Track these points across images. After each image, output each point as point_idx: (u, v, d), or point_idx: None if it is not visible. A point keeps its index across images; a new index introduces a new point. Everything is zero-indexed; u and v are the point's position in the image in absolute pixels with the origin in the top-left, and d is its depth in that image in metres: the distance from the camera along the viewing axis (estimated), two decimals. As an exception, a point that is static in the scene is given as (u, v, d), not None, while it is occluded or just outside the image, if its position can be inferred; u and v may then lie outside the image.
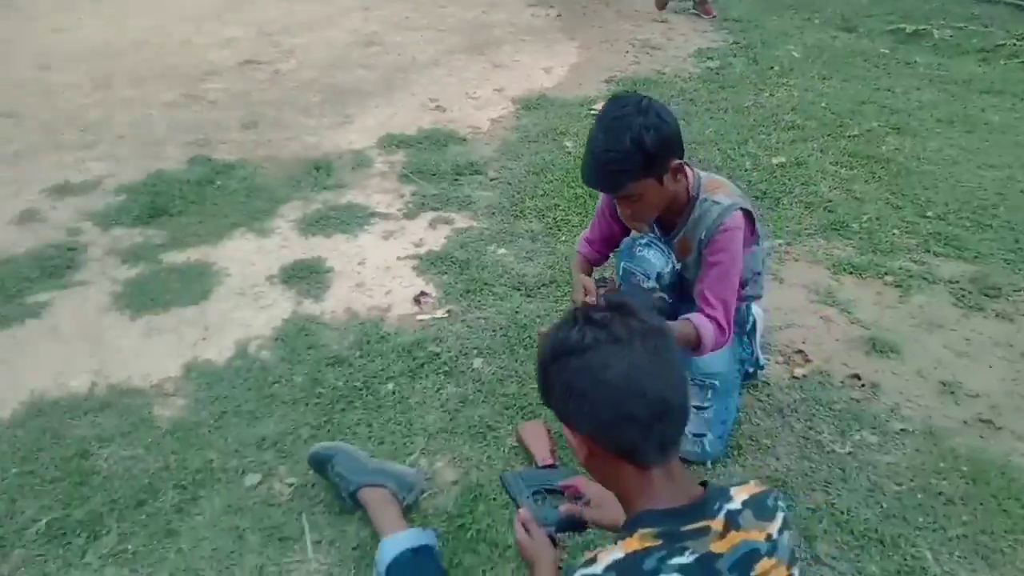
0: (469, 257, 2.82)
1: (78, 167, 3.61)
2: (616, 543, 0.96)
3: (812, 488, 1.84)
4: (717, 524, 0.96)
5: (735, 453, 1.93)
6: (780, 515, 1.03)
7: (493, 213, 3.16)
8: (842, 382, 2.21)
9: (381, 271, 2.78)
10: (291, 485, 1.85)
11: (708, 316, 1.76)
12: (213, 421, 2.05)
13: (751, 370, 2.17)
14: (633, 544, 0.94)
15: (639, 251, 1.86)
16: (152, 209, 3.18)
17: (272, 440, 1.97)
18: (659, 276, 1.84)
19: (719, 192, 1.77)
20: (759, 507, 1.01)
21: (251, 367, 2.26)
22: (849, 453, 1.94)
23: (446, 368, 2.23)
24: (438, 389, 2.16)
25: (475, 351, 2.31)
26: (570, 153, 3.67)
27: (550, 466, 1.83)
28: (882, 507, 1.79)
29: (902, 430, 2.03)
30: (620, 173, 1.62)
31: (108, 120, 4.21)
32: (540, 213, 3.11)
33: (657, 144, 1.60)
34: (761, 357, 2.20)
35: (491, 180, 3.44)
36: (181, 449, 1.94)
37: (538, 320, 2.41)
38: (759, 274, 1.99)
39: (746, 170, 3.49)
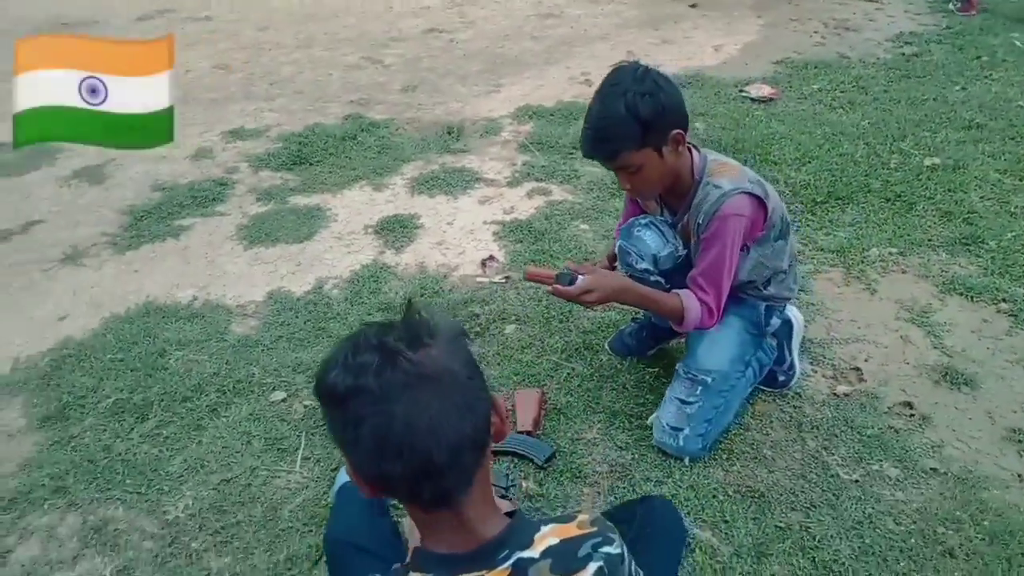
0: (549, 229, 2.86)
1: (256, 116, 4.16)
2: None
3: (792, 508, 1.69)
4: (498, 575, 0.88)
5: (724, 457, 1.83)
6: (594, 565, 0.90)
7: (591, 189, 3.16)
8: (888, 408, 1.97)
9: (464, 232, 2.92)
10: (306, 407, 2.08)
11: (701, 298, 1.70)
12: (269, 342, 2.34)
13: (781, 378, 2.02)
14: None
15: (637, 231, 1.81)
16: (297, 157, 3.60)
17: (307, 366, 2.22)
18: (655, 259, 1.78)
19: (724, 176, 1.66)
20: (563, 557, 0.89)
21: (318, 302, 2.53)
22: (855, 481, 1.75)
23: (478, 329, 2.33)
24: (463, 346, 2.27)
25: (512, 317, 2.38)
26: (697, 134, 3.53)
27: (527, 433, 1.88)
28: (863, 543, 1.60)
29: (932, 469, 1.78)
30: (615, 141, 1.58)
31: (295, 77, 4.78)
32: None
33: (653, 111, 1.54)
34: (797, 365, 2.04)
35: (603, 156, 3.42)
36: (234, 361, 2.26)
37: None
38: (784, 273, 1.83)
39: (888, 168, 3.13)
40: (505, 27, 5.68)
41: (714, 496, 1.72)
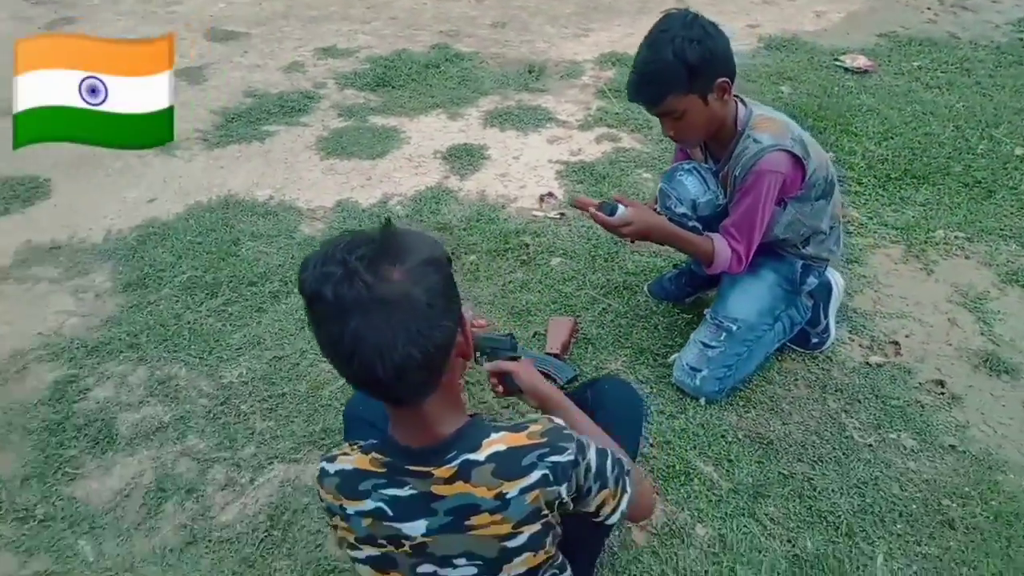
0: (611, 173, 2.91)
1: (349, 36, 4.29)
2: (351, 450, 1.02)
3: (798, 459, 1.74)
4: (444, 472, 0.96)
5: (740, 404, 1.88)
6: (538, 473, 0.96)
7: (661, 140, 3.16)
8: (920, 384, 1.97)
9: (528, 168, 2.99)
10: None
11: (732, 245, 1.73)
12: (331, 245, 2.51)
13: (815, 340, 2.04)
14: (363, 462, 0.99)
15: (679, 175, 1.84)
16: (381, 80, 3.72)
17: (363, 270, 2.37)
18: (694, 204, 1.81)
19: (765, 130, 1.66)
20: (507, 463, 0.96)
21: (380, 214, 2.67)
22: (868, 445, 1.78)
23: (525, 258, 2.42)
24: (509, 272, 2.37)
25: (560, 251, 2.46)
26: (781, 98, 3.47)
27: (555, 355, 1.97)
28: (863, 501, 1.65)
29: (951, 446, 1.79)
30: (661, 85, 1.60)
31: (393, 2, 4.87)
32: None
33: (700, 57, 1.56)
34: (832, 329, 2.05)
35: (679, 109, 3.41)
36: (298, 256, 2.43)
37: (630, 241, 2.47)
38: (825, 234, 1.84)
39: (973, 153, 3.01)
40: (605, -28, 5.58)
41: (723, 436, 1.79)
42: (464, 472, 0.96)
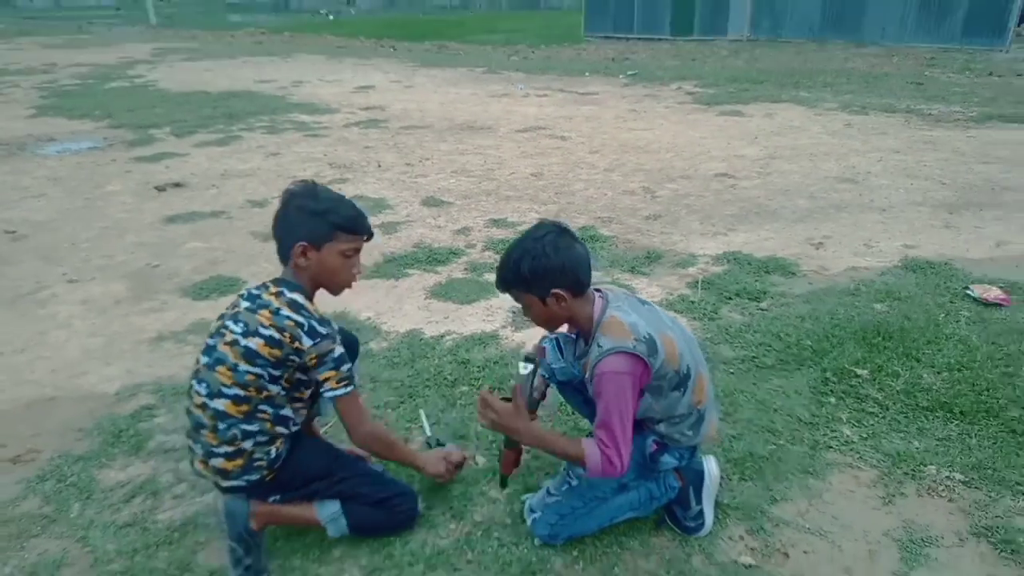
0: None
1: (522, 212, 5.15)
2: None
3: None
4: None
5: (574, 553, 2.01)
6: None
7: (704, 325, 3.34)
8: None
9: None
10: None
11: (600, 448, 1.83)
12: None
13: (689, 524, 2.09)
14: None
15: (543, 342, 2.13)
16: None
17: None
18: (551, 369, 2.08)
19: (608, 335, 1.84)
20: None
21: (427, 343, 3.26)
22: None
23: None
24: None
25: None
26: (866, 314, 3.41)
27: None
28: None
29: None
30: (505, 282, 1.93)
31: (578, 191, 5.69)
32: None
33: (532, 270, 1.83)
34: (708, 517, 2.09)
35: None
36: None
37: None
38: (679, 418, 1.97)
39: (1049, 402, 2.69)
40: (795, 182, 5.84)
41: (532, 572, 1.96)
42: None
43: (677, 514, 2.09)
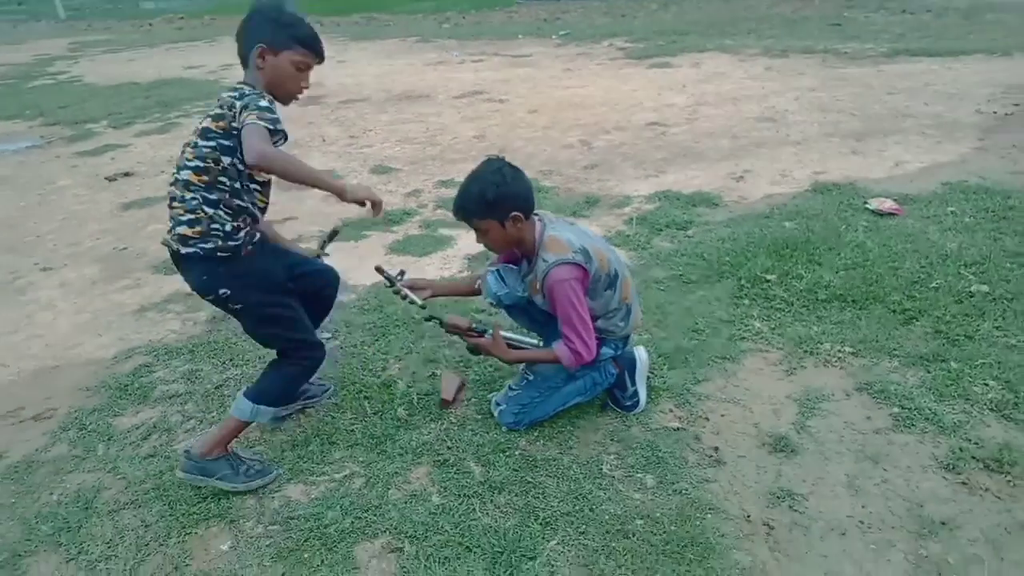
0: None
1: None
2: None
3: (547, 474, 2.24)
4: None
5: (533, 434, 2.40)
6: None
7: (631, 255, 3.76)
8: (696, 447, 2.35)
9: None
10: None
11: (567, 345, 2.23)
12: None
13: (627, 403, 2.52)
14: None
15: (486, 275, 2.45)
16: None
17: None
18: (496, 296, 2.40)
19: (549, 249, 2.21)
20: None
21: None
22: (613, 476, 2.22)
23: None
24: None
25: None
26: (776, 232, 3.87)
27: (447, 401, 2.69)
28: (572, 507, 2.11)
29: (682, 491, 2.18)
30: (467, 210, 2.25)
31: (520, 148, 6.05)
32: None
33: (496, 195, 2.17)
34: (642, 396, 2.51)
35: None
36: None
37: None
38: (611, 313, 2.38)
39: (925, 287, 3.16)
40: (720, 125, 6.29)
41: (503, 450, 2.36)
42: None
43: (617, 395, 2.51)
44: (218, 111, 2.05)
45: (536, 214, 2.34)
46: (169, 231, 2.13)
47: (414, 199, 5.02)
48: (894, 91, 6.95)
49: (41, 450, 2.59)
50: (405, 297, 2.41)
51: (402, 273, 2.46)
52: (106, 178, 6.03)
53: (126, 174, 6.13)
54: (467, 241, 4.17)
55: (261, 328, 2.29)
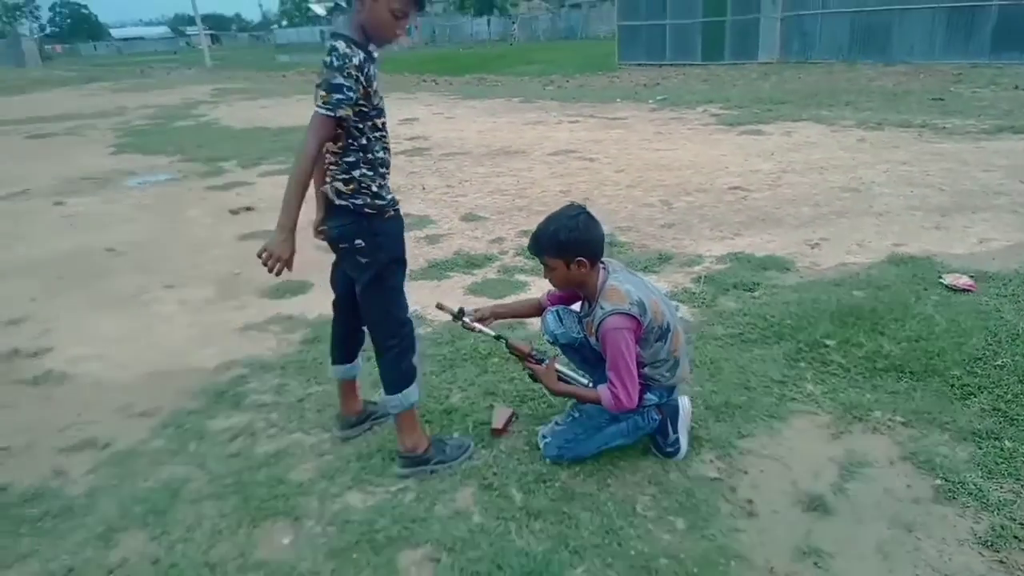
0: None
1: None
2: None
3: (583, 508, 2.40)
4: None
5: (575, 469, 2.57)
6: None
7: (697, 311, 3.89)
8: (732, 498, 2.46)
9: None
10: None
11: (611, 390, 2.42)
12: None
13: (668, 449, 2.64)
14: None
15: (545, 315, 2.70)
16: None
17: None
18: (553, 335, 2.65)
19: (609, 299, 2.41)
20: None
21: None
22: (645, 516, 2.36)
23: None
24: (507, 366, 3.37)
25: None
26: (844, 300, 3.91)
27: (498, 431, 2.91)
28: (601, 541, 2.26)
29: (711, 536, 2.29)
30: (540, 247, 2.50)
31: (602, 206, 6.29)
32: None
33: (568, 240, 2.40)
34: (683, 444, 2.64)
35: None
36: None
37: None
38: (660, 363, 2.54)
39: (989, 364, 3.13)
40: (802, 193, 6.33)
41: (543, 481, 2.54)
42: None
43: (659, 441, 2.65)
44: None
45: (602, 262, 2.53)
46: (327, 186, 2.42)
47: (496, 245, 5.32)
48: (990, 168, 6.79)
49: (143, 442, 2.96)
50: (473, 330, 2.67)
51: (462, 311, 2.72)
52: (230, 211, 6.69)
53: (248, 208, 6.77)
54: (540, 287, 4.38)
55: (372, 288, 2.46)
